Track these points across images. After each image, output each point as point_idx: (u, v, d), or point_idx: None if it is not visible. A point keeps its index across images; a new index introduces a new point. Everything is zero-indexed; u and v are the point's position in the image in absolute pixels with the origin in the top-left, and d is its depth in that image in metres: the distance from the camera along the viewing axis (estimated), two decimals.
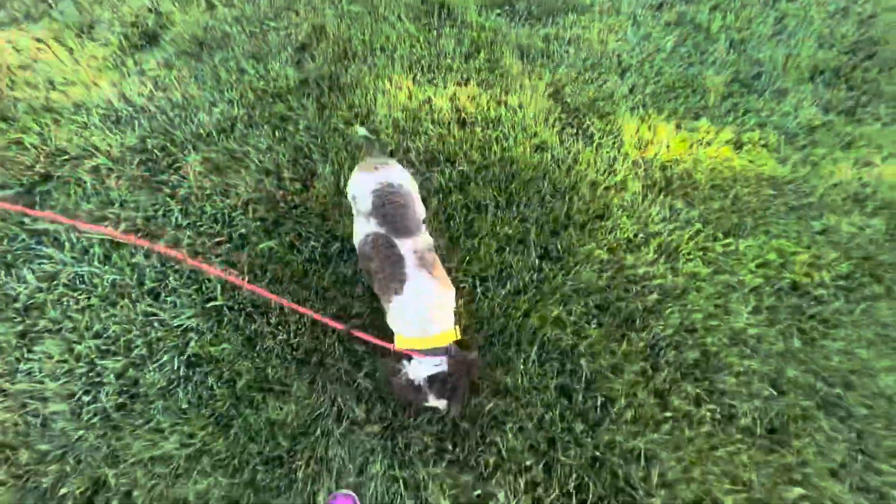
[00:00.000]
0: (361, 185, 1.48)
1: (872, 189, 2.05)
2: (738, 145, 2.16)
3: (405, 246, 1.36)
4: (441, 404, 1.30)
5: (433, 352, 1.28)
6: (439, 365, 1.26)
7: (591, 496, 1.38)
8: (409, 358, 1.29)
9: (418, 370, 1.27)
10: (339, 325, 1.44)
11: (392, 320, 1.37)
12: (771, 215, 1.95)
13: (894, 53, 2.59)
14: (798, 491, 1.42)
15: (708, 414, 1.52)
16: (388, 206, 1.40)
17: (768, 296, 1.76)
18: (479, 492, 1.40)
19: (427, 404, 1.30)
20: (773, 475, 1.45)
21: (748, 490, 1.42)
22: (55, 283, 1.66)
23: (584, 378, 1.55)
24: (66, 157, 1.94)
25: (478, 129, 2.09)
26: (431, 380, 1.25)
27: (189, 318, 1.61)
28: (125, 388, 1.50)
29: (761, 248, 1.86)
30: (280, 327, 1.61)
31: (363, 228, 1.43)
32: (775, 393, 1.58)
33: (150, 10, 2.47)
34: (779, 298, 1.76)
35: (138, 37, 2.38)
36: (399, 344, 1.33)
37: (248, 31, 2.42)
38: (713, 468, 1.44)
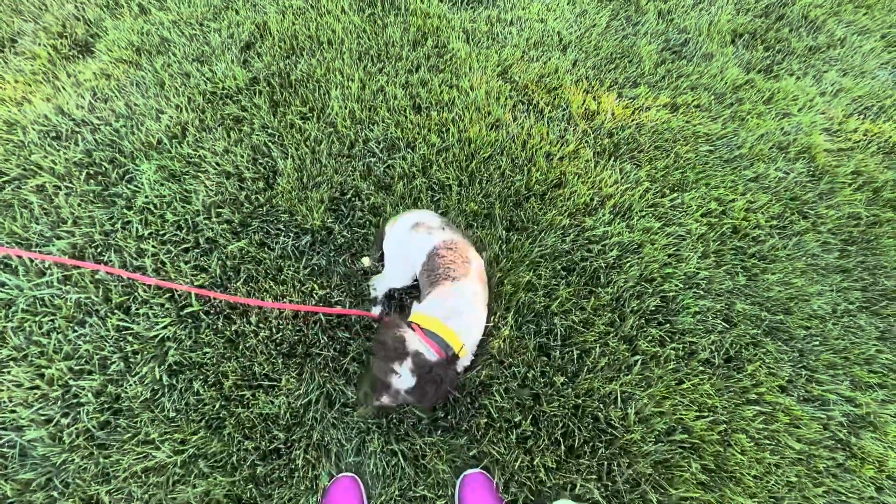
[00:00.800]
0: (418, 214, 1.59)
1: (793, 137, 2.28)
2: (674, 108, 2.33)
3: (471, 254, 1.45)
4: (406, 379, 1.24)
5: (435, 339, 1.29)
6: (426, 353, 1.26)
7: (577, 441, 1.48)
8: (413, 330, 1.31)
9: (414, 340, 1.27)
10: (372, 315, 1.49)
11: (429, 298, 1.40)
12: (709, 168, 2.13)
13: (800, 14, 2.85)
14: (755, 408, 1.58)
15: (672, 352, 1.65)
16: (450, 221, 1.54)
17: (713, 241, 1.92)
18: (474, 452, 1.48)
19: (396, 367, 1.24)
20: (732, 398, 1.60)
21: (713, 414, 1.56)
22: (13, 309, 1.58)
23: (559, 335, 1.65)
24: (6, 178, 1.83)
25: (433, 114, 2.13)
26: (416, 353, 1.25)
27: (165, 327, 1.58)
28: (107, 405, 1.46)
29: (703, 198, 2.03)
30: (261, 325, 1.61)
31: (430, 239, 1.48)
32: (728, 326, 1.75)
33: (77, 18, 2.34)
34: (722, 242, 1.93)
35: (68, 47, 2.26)
36: (414, 317, 1.35)
37: (187, 33, 2.35)
38: (681, 399, 1.57)
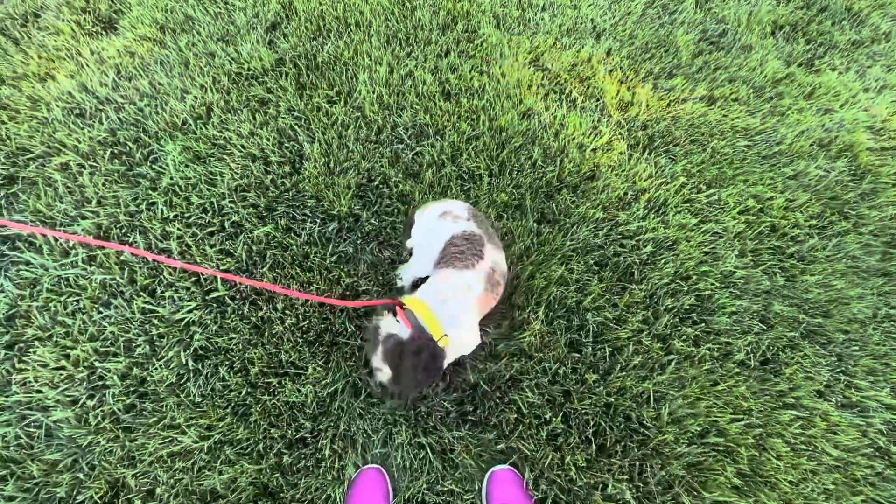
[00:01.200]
0: (448, 203, 1.52)
1: (834, 134, 2.20)
2: (711, 101, 2.25)
3: (489, 253, 1.38)
4: (383, 371, 1.22)
5: (411, 318, 1.23)
6: (399, 331, 1.21)
7: (608, 440, 1.45)
8: (395, 313, 1.27)
9: (387, 324, 1.23)
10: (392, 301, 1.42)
11: (427, 283, 1.37)
12: (747, 165, 2.06)
13: (843, 6, 2.74)
14: (791, 413, 1.54)
15: (707, 352, 1.61)
16: (479, 215, 1.47)
17: (751, 239, 1.86)
18: (502, 446, 1.45)
19: (374, 360, 1.23)
20: (768, 402, 1.56)
21: (748, 417, 1.52)
22: (38, 289, 1.56)
23: (591, 331, 1.60)
24: (30, 155, 1.81)
25: (463, 100, 2.07)
26: (387, 337, 1.20)
27: (190, 311, 1.55)
28: (132, 388, 1.44)
29: (741, 195, 1.96)
30: (287, 312, 1.58)
31: (453, 228, 1.42)
32: (765, 327, 1.69)
33: None
34: (760, 241, 1.87)
35: (92, 23, 2.21)
36: (406, 300, 1.30)
37: (211, 11, 2.30)
38: (716, 401, 1.53)
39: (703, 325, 1.67)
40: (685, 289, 1.72)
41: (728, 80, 2.33)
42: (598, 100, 2.18)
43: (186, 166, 1.83)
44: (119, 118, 1.92)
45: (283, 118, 1.97)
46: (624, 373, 1.55)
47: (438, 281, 1.35)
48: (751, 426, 1.51)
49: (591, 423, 1.47)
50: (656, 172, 1.98)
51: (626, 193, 1.91)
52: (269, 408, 1.44)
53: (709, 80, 2.33)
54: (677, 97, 2.24)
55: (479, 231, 1.41)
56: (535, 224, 1.80)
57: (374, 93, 2.06)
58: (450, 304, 1.28)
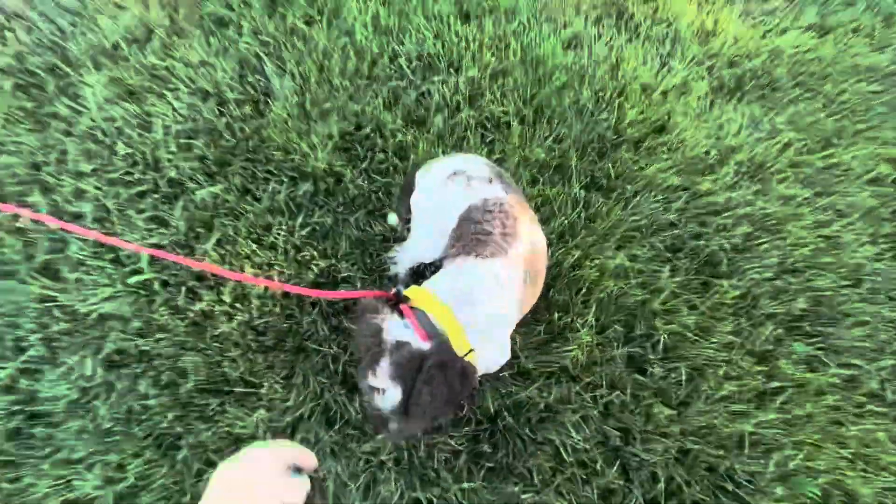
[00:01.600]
0: (460, 159, 1.19)
1: None
2: (823, 31, 1.84)
3: (525, 229, 1.05)
4: (388, 393, 0.89)
5: (430, 328, 0.90)
6: (411, 339, 0.88)
7: (686, 501, 1.08)
8: (401, 313, 0.93)
9: (396, 327, 0.91)
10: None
11: (440, 274, 1.04)
12: (875, 117, 1.67)
13: None
14: None
15: (827, 380, 1.21)
16: (505, 174, 1.16)
17: (885, 219, 1.47)
18: (530, 497, 1.08)
19: (374, 377, 0.89)
20: None
21: (888, 476, 1.13)
22: None
23: (660, 344, 1.25)
24: None
25: (487, 23, 1.67)
26: (399, 346, 0.87)
27: (105, 300, 1.23)
28: (18, 407, 1.14)
29: (869, 159, 1.58)
30: (238, 305, 1.22)
31: (470, 194, 1.08)
32: None
33: None
34: None
35: None
36: (411, 292, 0.96)
37: None
38: (841, 451, 1.15)
39: (821, 339, 1.30)
40: (795, 287, 1.35)
41: (846, 4, 1.90)
42: (669, 26, 1.79)
43: (115, 104, 1.48)
44: (31, 40, 1.59)
45: (247, 43, 1.61)
46: (708, 406, 1.19)
47: (456, 274, 1.02)
48: (893, 490, 1.13)
49: (661, 478, 1.12)
50: (750, 125, 1.58)
51: (708, 153, 1.54)
52: (206, 441, 1.12)
53: (819, 2, 1.90)
54: (777, 26, 1.83)
55: (508, 197, 1.04)
56: (582, 191, 1.44)
57: (367, 12, 1.66)
58: (478, 306, 0.97)
